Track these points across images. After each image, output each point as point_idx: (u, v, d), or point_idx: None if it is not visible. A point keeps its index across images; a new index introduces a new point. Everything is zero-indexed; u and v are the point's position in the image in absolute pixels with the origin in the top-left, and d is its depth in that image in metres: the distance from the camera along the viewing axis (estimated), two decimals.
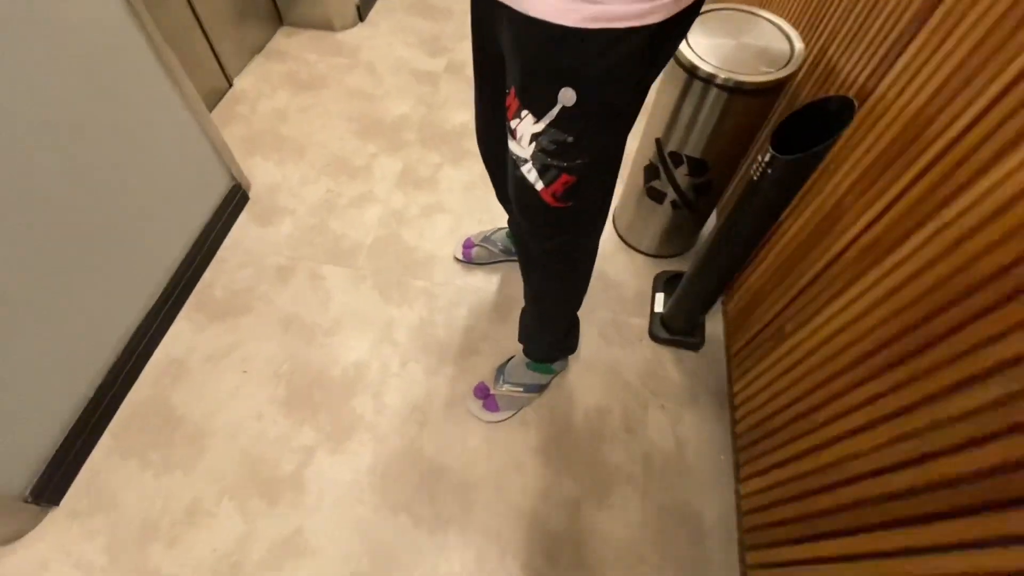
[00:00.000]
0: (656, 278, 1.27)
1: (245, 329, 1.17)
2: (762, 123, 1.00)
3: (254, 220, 1.35)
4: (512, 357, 1.11)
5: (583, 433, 1.07)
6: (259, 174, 1.44)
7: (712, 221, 1.31)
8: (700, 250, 1.01)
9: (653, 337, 1.19)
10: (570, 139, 0.57)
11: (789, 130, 0.75)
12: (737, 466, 1.01)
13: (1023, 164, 0.48)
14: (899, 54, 0.70)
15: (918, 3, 0.68)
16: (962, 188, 0.55)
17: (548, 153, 0.59)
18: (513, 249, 1.22)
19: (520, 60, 0.54)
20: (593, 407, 1.10)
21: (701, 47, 0.92)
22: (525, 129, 0.58)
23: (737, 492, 0.99)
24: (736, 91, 0.90)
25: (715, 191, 1.12)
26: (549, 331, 1.00)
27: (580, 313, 1.01)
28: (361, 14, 1.89)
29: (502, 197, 1.01)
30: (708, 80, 0.90)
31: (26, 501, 0.90)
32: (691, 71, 0.92)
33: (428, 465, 1.02)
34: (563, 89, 0.52)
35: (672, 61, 0.95)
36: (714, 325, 1.21)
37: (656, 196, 1.17)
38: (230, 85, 1.65)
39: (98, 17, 0.90)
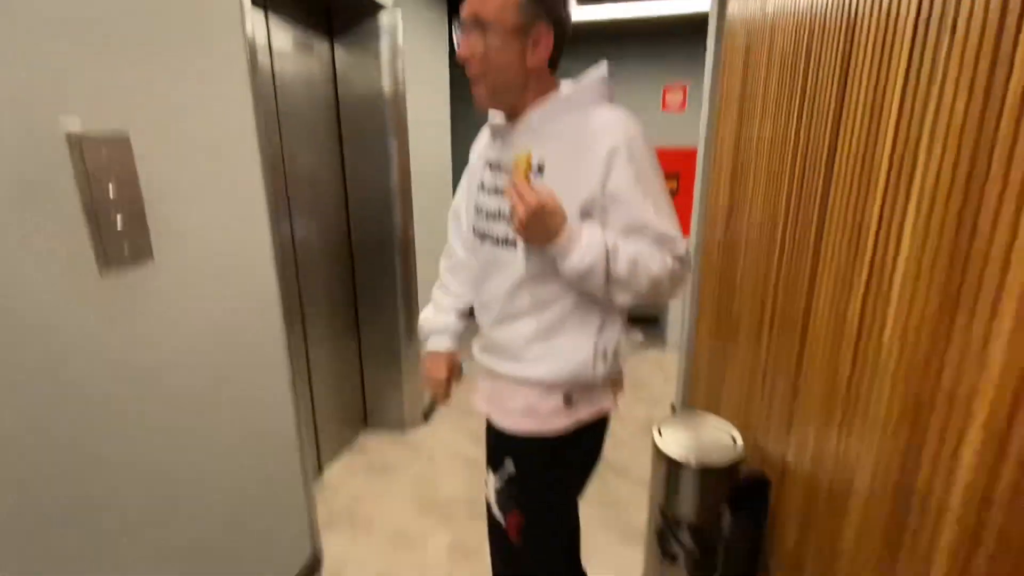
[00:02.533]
0: None
1: None
2: (727, 490, 1.32)
3: None
4: None
5: None
6: (332, 545, 1.70)
7: None
8: None
9: None
10: (515, 491, 0.97)
11: (742, 494, 1.08)
12: None
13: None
14: (787, 442, 1.10)
15: (787, 408, 1.13)
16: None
17: (505, 498, 0.98)
18: None
19: (489, 442, 1.01)
20: None
21: (673, 442, 1.35)
22: (491, 484, 1.00)
23: None
24: (703, 472, 1.27)
25: (713, 548, 1.34)
26: None
27: None
28: (426, 416, 2.53)
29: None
30: (683, 466, 1.29)
31: None
32: (669, 460, 1.32)
33: None
34: (507, 461, 0.95)
35: (655, 451, 1.37)
36: None
37: (671, 557, 1.37)
38: (320, 472, 2.10)
39: (265, 404, 1.41)
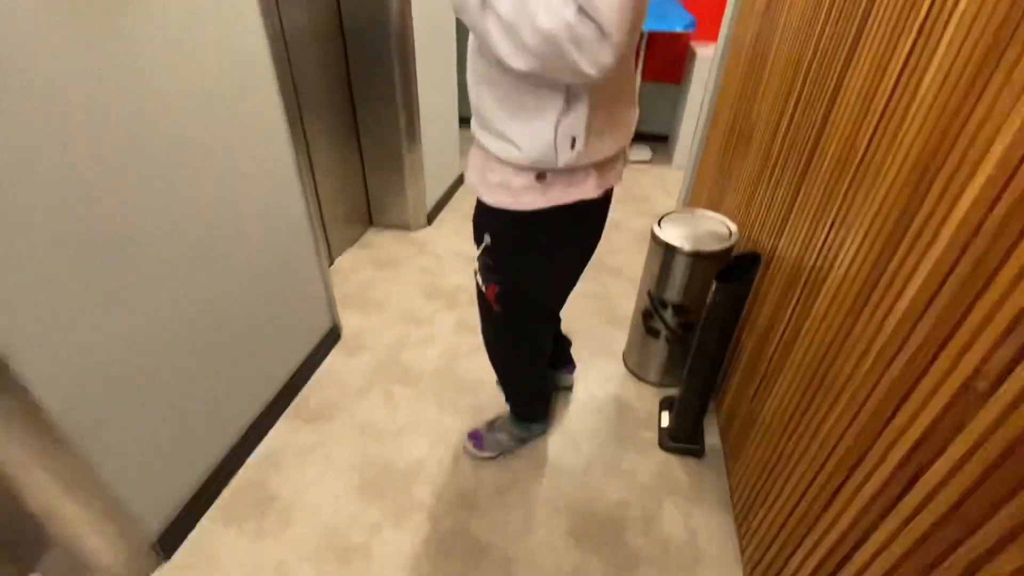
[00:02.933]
0: (661, 401, 1.56)
1: (330, 432, 1.46)
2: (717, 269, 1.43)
3: (343, 353, 1.75)
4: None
5: (607, 522, 1.25)
6: (348, 321, 1.88)
7: None
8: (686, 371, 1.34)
9: (662, 446, 1.43)
10: (491, 262, 1.03)
11: (730, 273, 1.16)
12: (743, 549, 1.16)
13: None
14: (781, 233, 1.15)
15: (790, 199, 1.15)
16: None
17: (484, 268, 1.05)
18: None
19: (475, 214, 1.03)
20: (616, 501, 1.30)
21: (671, 233, 1.41)
22: (475, 254, 1.06)
23: (746, 573, 1.13)
24: (697, 257, 1.35)
25: (692, 325, 1.50)
26: (509, 396, 1.40)
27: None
28: (430, 219, 2.58)
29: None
30: (678, 251, 1.37)
31: (152, 548, 1.11)
32: (666, 246, 1.39)
33: (476, 542, 1.20)
34: (485, 234, 0.99)
35: (652, 240, 1.43)
36: (713, 436, 1.45)
37: (653, 333, 1.55)
38: (332, 263, 2.23)
39: (282, 207, 1.46)
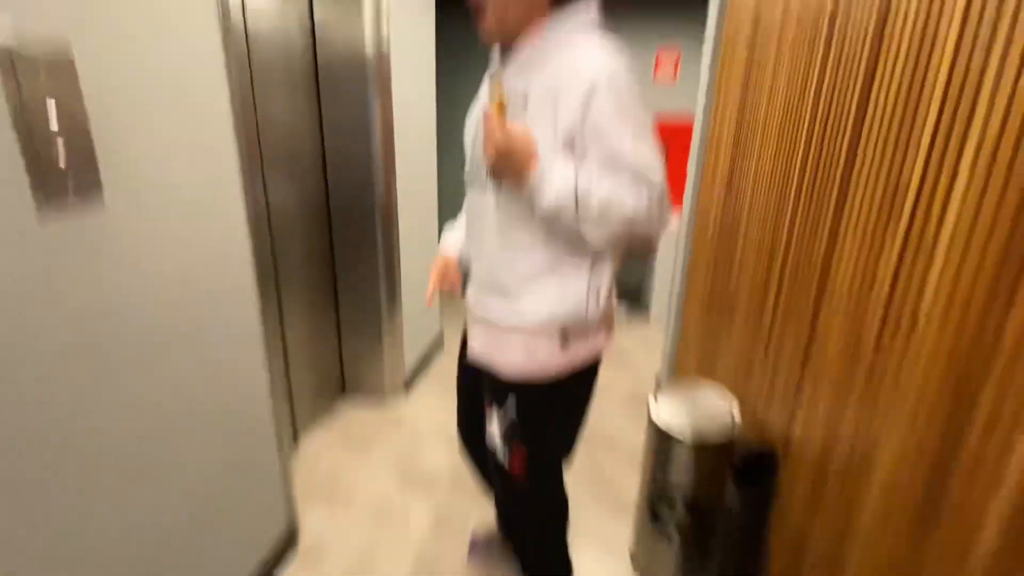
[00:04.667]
0: None
1: None
2: (725, 465, 1.29)
3: (302, 565, 1.46)
4: None
5: None
6: (310, 520, 1.62)
7: None
8: None
9: None
10: (518, 433, 1.01)
11: (748, 470, 1.04)
12: None
13: None
14: (793, 413, 1.07)
15: (796, 375, 1.09)
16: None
17: (508, 437, 1.02)
18: None
19: (489, 384, 1.04)
20: None
21: (669, 413, 1.31)
22: (494, 421, 1.03)
23: None
24: (699, 447, 1.23)
25: (709, 529, 1.31)
26: (536, 570, 1.25)
27: None
28: (407, 386, 2.45)
29: (483, 475, 1.32)
30: (679, 442, 1.25)
31: None
32: (666, 435, 1.27)
33: None
34: (511, 407, 1.00)
35: (654, 428, 1.32)
36: None
37: (664, 534, 1.35)
38: (296, 441, 2.01)
39: (245, 396, 1.31)
